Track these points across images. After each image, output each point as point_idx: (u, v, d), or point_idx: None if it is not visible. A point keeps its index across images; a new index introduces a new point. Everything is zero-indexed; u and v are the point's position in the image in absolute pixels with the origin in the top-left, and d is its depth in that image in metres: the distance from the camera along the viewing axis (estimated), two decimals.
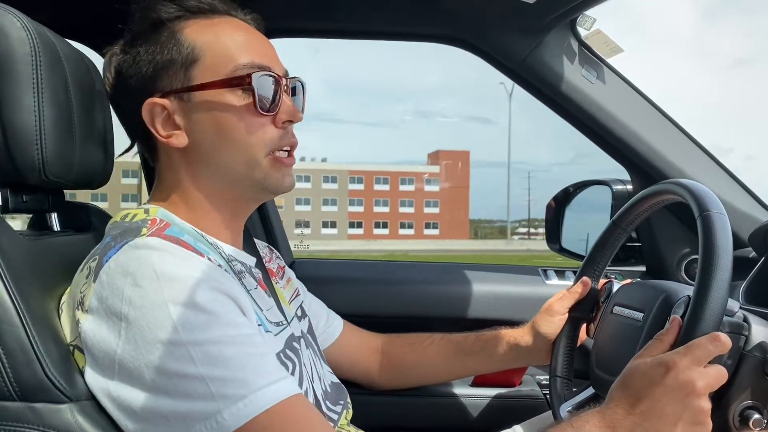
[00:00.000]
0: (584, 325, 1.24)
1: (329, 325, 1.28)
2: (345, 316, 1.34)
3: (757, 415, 0.97)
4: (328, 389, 1.05)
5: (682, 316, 0.89)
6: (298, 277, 1.25)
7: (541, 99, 1.48)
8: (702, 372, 0.78)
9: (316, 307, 1.27)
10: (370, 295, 1.63)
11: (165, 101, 0.89)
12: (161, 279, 0.74)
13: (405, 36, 1.58)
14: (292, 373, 0.90)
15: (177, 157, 0.92)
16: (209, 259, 0.83)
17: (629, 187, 1.64)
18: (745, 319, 0.99)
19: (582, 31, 1.38)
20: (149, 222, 0.86)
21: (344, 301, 1.44)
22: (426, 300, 1.63)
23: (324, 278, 1.64)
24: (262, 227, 1.68)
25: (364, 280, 1.69)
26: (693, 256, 1.55)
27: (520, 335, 1.26)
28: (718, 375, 0.80)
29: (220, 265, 0.84)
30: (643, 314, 1.02)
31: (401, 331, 1.37)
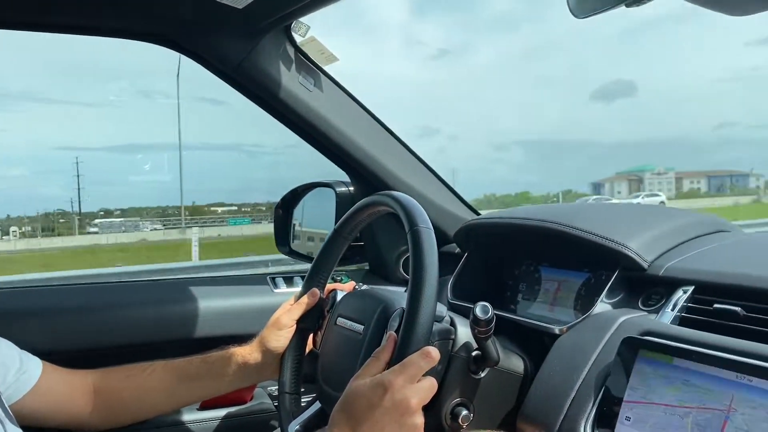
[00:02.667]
0: (312, 336, 1.24)
1: (23, 371, 1.08)
2: (49, 354, 1.15)
3: (465, 412, 1.06)
4: None
5: (398, 330, 0.92)
6: None
7: (260, 105, 1.44)
8: (415, 389, 0.81)
9: (4, 352, 1.07)
10: (76, 326, 1.42)
11: None
12: None
13: (109, 32, 1.39)
14: None
15: None
16: None
17: (351, 189, 1.69)
18: (452, 323, 1.07)
19: (297, 38, 1.36)
20: None
21: (44, 336, 1.23)
22: (146, 324, 1.48)
23: (13, 312, 1.39)
24: None
25: (65, 309, 1.46)
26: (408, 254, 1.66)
27: (249, 353, 1.21)
28: (431, 387, 0.84)
29: None
30: (363, 327, 1.04)
31: (123, 362, 1.23)
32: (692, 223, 1.23)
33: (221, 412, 1.44)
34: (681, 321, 1.00)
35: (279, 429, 1.21)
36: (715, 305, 0.96)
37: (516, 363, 1.12)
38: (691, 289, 1.02)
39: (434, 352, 0.84)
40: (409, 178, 1.56)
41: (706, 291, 1.00)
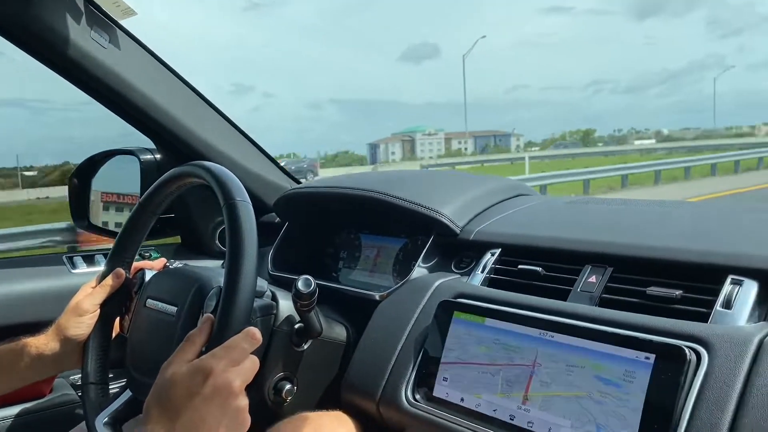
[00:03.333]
0: (118, 320, 1.12)
1: None
2: None
3: (288, 386, 1.04)
4: None
5: (215, 310, 0.86)
6: None
7: (46, 63, 1.24)
8: (238, 371, 0.77)
9: None
10: None
11: None
12: None
13: None
14: None
15: None
16: None
17: (158, 156, 1.55)
18: (273, 297, 1.04)
19: None
20: None
21: None
22: None
23: None
24: None
25: None
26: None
27: (44, 343, 1.07)
28: (253, 367, 0.80)
29: None
30: (176, 308, 0.97)
31: None
32: (498, 188, 1.31)
33: (14, 410, 1.28)
34: (490, 282, 1.06)
35: (83, 424, 1.09)
36: (520, 266, 1.03)
37: (339, 332, 1.12)
38: (498, 251, 1.09)
39: (258, 334, 0.80)
40: (222, 145, 1.47)
41: (512, 253, 1.07)
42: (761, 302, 0.80)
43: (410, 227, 1.28)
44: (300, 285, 0.96)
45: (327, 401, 1.08)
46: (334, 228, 1.46)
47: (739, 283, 0.81)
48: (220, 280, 0.94)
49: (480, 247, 1.12)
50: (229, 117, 1.53)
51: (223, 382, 0.75)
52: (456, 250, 1.17)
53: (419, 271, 1.16)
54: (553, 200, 1.35)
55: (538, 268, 1.01)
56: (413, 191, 1.22)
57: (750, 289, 0.80)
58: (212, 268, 1.08)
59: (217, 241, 1.60)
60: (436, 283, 1.08)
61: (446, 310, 0.98)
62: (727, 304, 0.80)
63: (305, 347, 1.06)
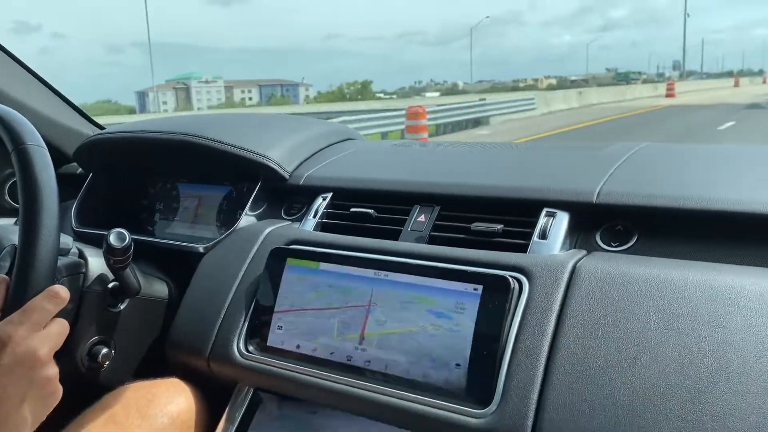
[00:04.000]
0: None
1: None
2: None
3: (105, 350, 0.94)
4: None
5: (9, 272, 0.74)
6: None
7: None
8: (42, 336, 0.67)
9: None
10: None
11: None
12: None
13: None
14: None
15: None
16: None
17: None
18: (81, 255, 0.92)
19: None
20: None
21: None
22: None
23: None
24: None
25: None
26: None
27: None
28: (61, 331, 0.70)
29: None
30: None
31: None
32: (325, 132, 1.28)
33: None
34: (323, 227, 1.04)
35: None
36: (352, 209, 1.02)
37: (159, 289, 1.04)
38: (329, 195, 1.07)
39: (63, 292, 0.70)
40: (8, 87, 1.26)
41: (343, 196, 1.06)
42: (572, 231, 0.87)
43: (234, 174, 1.21)
44: (112, 239, 0.86)
45: (151, 363, 1.00)
46: (147, 177, 1.34)
47: (552, 215, 0.88)
48: (14, 237, 0.81)
49: (310, 192, 1.09)
50: (12, 52, 1.32)
51: (25, 350, 0.65)
52: (285, 196, 1.13)
53: (247, 219, 1.11)
54: (379, 144, 1.36)
55: (369, 210, 1.00)
56: (235, 135, 1.15)
57: (562, 220, 0.87)
58: (4, 226, 0.94)
59: (6, 196, 1.39)
60: (266, 231, 1.03)
61: (278, 258, 0.94)
62: (543, 235, 0.86)
63: (122, 307, 0.96)
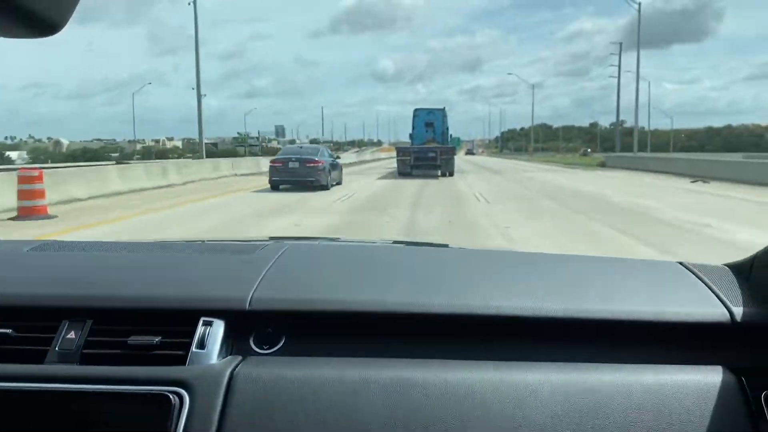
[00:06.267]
0: None
1: None
2: None
3: None
4: None
5: None
6: None
7: None
8: None
9: None
10: None
11: None
12: None
13: None
14: None
15: None
16: None
17: None
18: None
19: None
20: None
21: None
22: None
23: None
24: None
25: None
26: None
27: None
28: None
29: None
30: None
31: None
32: None
33: None
34: None
35: None
36: None
37: None
38: None
39: None
40: None
41: None
42: (228, 337, 0.93)
43: None
44: None
45: None
46: None
47: (209, 323, 0.92)
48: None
49: None
50: None
51: None
52: None
53: None
54: (11, 247, 1.22)
55: (7, 330, 0.91)
56: None
57: (219, 328, 0.92)
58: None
59: None
60: None
61: None
62: (201, 344, 0.90)
63: None
